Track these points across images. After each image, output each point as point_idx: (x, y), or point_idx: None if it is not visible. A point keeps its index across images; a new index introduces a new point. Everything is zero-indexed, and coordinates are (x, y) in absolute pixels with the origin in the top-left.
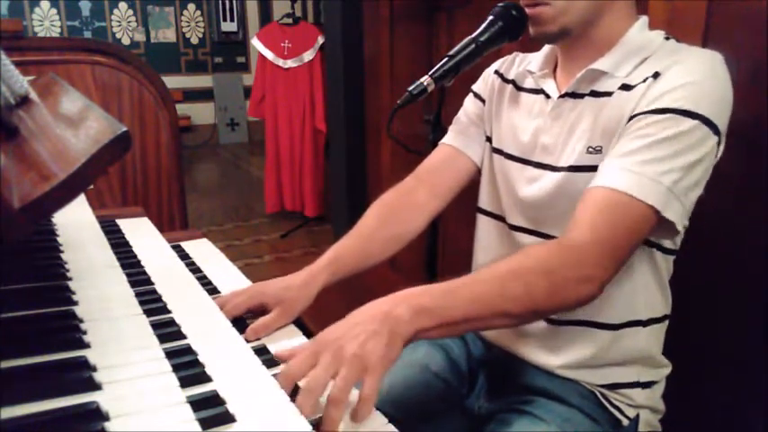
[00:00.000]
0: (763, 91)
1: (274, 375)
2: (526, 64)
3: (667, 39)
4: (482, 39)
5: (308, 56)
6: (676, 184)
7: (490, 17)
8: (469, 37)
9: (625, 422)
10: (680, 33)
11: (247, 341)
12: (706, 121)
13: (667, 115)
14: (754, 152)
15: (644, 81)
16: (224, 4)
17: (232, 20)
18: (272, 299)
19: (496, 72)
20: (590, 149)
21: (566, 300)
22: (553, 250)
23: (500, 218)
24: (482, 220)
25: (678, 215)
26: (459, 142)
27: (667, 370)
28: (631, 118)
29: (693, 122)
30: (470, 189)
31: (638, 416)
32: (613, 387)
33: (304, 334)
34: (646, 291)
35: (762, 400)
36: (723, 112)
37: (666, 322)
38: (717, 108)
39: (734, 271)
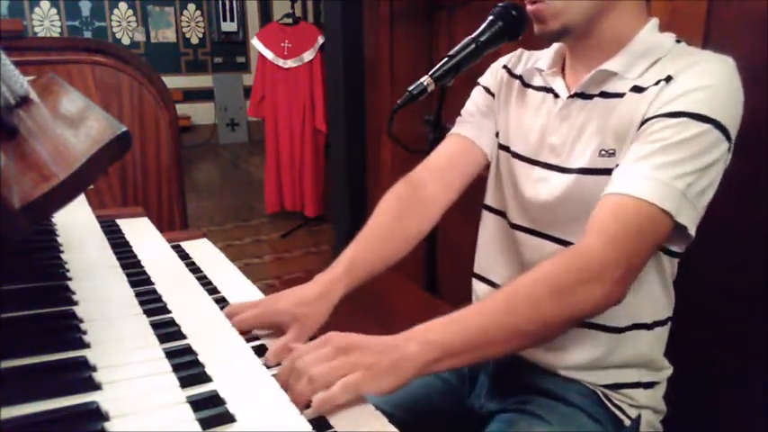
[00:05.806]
0: (764, 91)
1: (275, 375)
2: (534, 61)
3: (678, 42)
4: (482, 39)
5: (308, 56)
6: (689, 189)
7: (490, 17)
8: (469, 37)
9: (627, 422)
10: (680, 33)
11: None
12: (718, 126)
13: (681, 119)
14: (755, 153)
15: (656, 84)
16: (224, 4)
17: (232, 20)
18: (286, 316)
19: (505, 66)
20: (602, 152)
21: (576, 305)
22: (558, 259)
23: (502, 214)
24: (486, 217)
25: (691, 220)
26: (471, 132)
27: (668, 372)
28: (644, 122)
29: (706, 126)
30: (471, 182)
31: (639, 416)
32: (615, 387)
33: None
34: (651, 294)
35: (763, 401)
36: (734, 118)
37: (669, 325)
38: (729, 114)
39: (734, 272)
